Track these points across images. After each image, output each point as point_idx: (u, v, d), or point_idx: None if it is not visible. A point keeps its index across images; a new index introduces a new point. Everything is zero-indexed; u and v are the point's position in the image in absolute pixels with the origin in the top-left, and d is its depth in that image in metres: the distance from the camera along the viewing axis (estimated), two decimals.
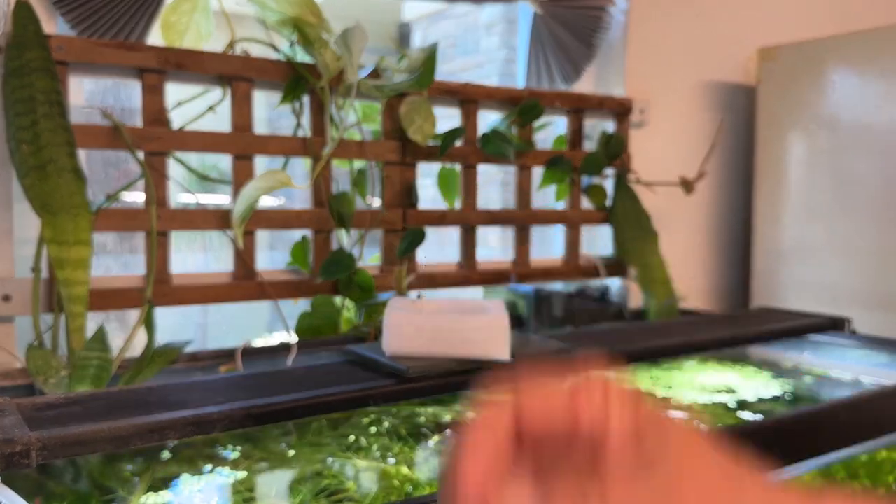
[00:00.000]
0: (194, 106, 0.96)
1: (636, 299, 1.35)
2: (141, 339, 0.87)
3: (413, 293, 1.07)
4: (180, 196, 1.00)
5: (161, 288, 0.93)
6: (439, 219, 1.15)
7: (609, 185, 1.34)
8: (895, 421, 0.78)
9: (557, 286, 1.29)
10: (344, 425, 0.83)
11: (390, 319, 0.77)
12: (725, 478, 0.30)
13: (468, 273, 1.19)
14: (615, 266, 1.35)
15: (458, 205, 1.19)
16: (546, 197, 1.34)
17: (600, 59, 1.41)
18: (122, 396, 0.65)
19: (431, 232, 1.13)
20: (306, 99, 1.02)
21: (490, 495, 0.28)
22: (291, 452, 0.76)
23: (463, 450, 0.28)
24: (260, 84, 1.00)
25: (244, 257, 0.98)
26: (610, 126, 1.36)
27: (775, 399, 0.98)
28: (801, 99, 1.42)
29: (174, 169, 0.95)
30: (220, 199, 1.04)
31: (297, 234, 1.05)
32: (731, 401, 0.95)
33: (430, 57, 1.00)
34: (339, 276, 1.02)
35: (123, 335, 0.87)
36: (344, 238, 1.05)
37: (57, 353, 0.83)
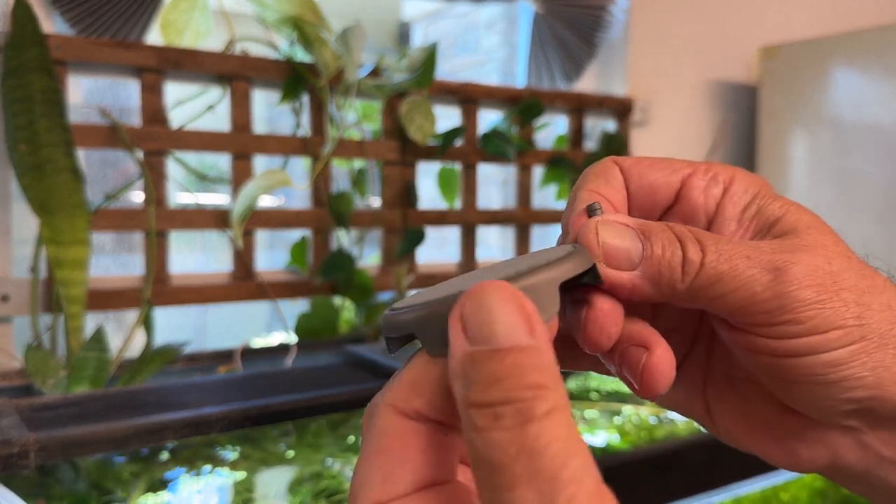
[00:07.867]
0: (193, 105, 0.96)
1: None
2: (140, 339, 0.86)
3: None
4: (179, 196, 1.00)
5: (160, 288, 0.92)
6: (439, 218, 1.15)
7: None
8: None
9: None
10: (343, 426, 0.83)
11: None
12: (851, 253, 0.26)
13: None
14: None
15: (458, 204, 1.19)
16: (546, 196, 1.33)
17: (601, 57, 1.40)
18: (120, 397, 0.65)
19: (431, 232, 1.12)
20: (306, 98, 1.02)
21: None
22: (291, 453, 0.76)
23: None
24: (259, 83, 0.99)
25: (243, 257, 0.98)
26: (611, 125, 1.35)
27: None
28: (803, 97, 1.42)
29: (173, 168, 0.95)
30: (219, 198, 1.04)
31: (296, 234, 1.04)
32: None
33: (430, 56, 0.99)
34: (338, 276, 1.01)
35: (122, 335, 0.87)
36: (343, 238, 1.05)
37: (55, 354, 0.82)
